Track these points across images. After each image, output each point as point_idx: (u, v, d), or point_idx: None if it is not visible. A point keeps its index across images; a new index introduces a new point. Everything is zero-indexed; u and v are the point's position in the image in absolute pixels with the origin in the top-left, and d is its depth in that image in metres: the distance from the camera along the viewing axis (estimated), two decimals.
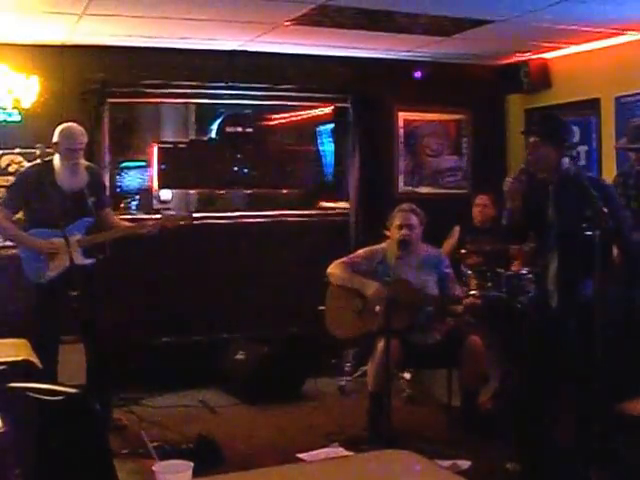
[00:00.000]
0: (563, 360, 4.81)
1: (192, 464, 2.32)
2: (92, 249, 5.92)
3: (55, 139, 5.76)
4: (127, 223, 6.34)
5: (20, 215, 5.91)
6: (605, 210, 4.36)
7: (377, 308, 5.65)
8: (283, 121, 9.23)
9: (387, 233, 6.05)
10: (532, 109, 8.56)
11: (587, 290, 4.66)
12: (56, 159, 5.79)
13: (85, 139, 5.86)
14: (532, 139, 4.89)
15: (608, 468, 4.58)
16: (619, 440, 4.63)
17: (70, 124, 5.85)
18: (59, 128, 5.79)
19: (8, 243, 6.47)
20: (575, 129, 5.42)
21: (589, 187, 4.51)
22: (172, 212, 6.49)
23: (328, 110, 8.72)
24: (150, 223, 6.13)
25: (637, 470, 4.66)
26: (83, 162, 5.88)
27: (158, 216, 6.43)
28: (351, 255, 6.16)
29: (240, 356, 7.17)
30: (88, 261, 5.87)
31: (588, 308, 4.46)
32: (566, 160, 4.84)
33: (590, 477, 4.56)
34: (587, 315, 4.43)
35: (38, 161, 5.85)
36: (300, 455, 5.29)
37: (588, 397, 4.59)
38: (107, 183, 6.89)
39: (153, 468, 2.30)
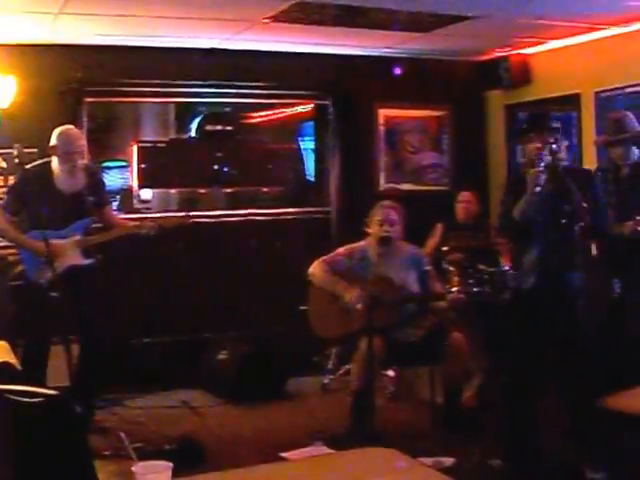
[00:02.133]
0: (547, 352, 4.83)
1: (171, 464, 2.30)
2: (92, 249, 5.91)
3: (53, 142, 5.75)
4: (127, 222, 6.31)
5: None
6: (585, 205, 4.37)
7: (359, 306, 5.63)
8: (263, 119, 9.21)
9: (368, 230, 6.04)
10: (512, 105, 8.58)
11: (572, 282, 4.66)
12: (54, 162, 5.79)
13: (83, 142, 5.87)
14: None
15: (602, 465, 4.59)
16: (608, 435, 4.64)
17: (67, 127, 5.84)
18: (56, 131, 5.78)
19: None
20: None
21: (570, 182, 4.52)
22: (171, 214, 6.49)
23: (309, 108, 8.70)
24: (148, 224, 6.10)
25: (630, 467, 4.68)
26: (81, 162, 5.85)
27: (141, 215, 6.41)
28: (332, 254, 6.13)
29: (223, 356, 7.14)
30: (87, 261, 5.87)
31: (572, 300, 4.47)
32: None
33: (584, 475, 4.58)
34: (571, 308, 4.44)
35: (36, 163, 5.84)
36: (283, 454, 5.27)
37: (573, 391, 4.60)
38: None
39: (132, 469, 2.28)
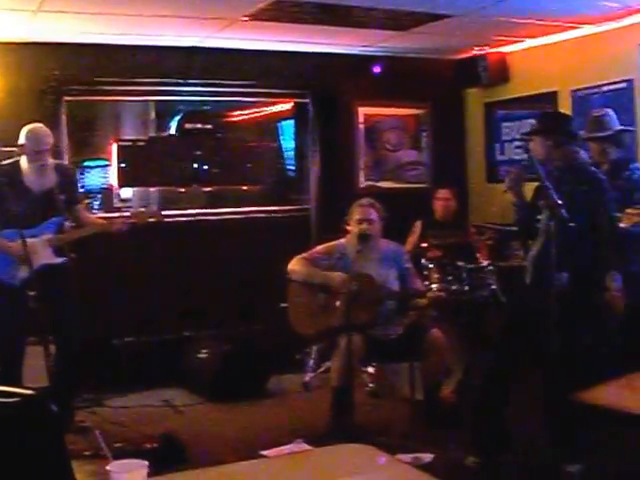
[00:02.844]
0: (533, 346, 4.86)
1: (147, 463, 2.31)
2: (63, 248, 5.89)
3: (21, 141, 5.71)
4: (99, 220, 6.30)
5: None
6: (559, 202, 4.41)
7: (337, 303, 5.65)
8: (243, 117, 9.20)
9: (347, 228, 6.06)
10: (491, 103, 8.62)
11: (560, 279, 4.69)
12: (23, 160, 5.74)
13: (51, 140, 5.82)
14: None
15: (579, 459, 4.63)
16: (587, 430, 4.68)
17: (35, 125, 5.80)
18: (24, 130, 5.74)
19: None
20: (533, 122, 5.49)
21: (543, 178, 4.56)
22: (141, 209, 6.44)
23: (288, 106, 8.71)
24: (120, 220, 6.09)
25: (608, 460, 4.73)
26: (52, 161, 5.83)
27: (120, 214, 6.39)
28: (311, 251, 6.15)
29: (203, 354, 7.14)
30: (59, 260, 5.84)
31: (560, 298, 4.51)
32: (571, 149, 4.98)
33: (561, 468, 4.61)
34: (559, 305, 4.47)
35: (5, 162, 5.81)
36: (264, 452, 5.27)
37: (553, 385, 4.64)
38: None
39: (107, 467, 2.29)
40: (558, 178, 4.73)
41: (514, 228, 5.36)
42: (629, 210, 5.15)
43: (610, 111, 6.04)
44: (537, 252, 4.89)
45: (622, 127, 5.98)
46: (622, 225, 5.14)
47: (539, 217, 4.73)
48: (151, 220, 6.11)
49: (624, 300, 5.08)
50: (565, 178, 4.77)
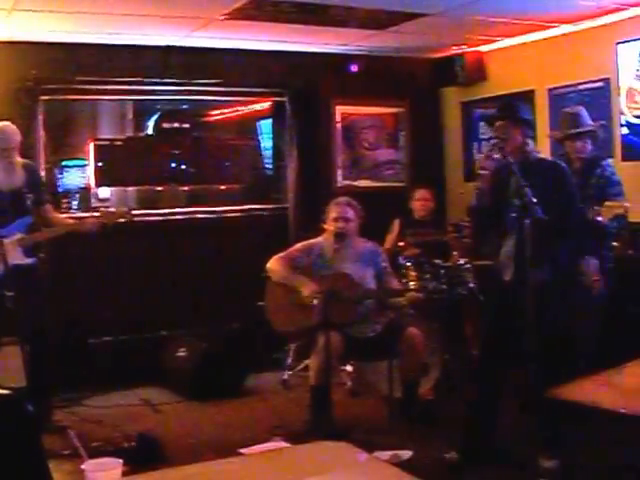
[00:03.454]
0: (514, 340, 4.88)
1: (121, 461, 2.31)
2: (33, 248, 5.86)
3: None
4: (68, 220, 6.28)
5: None
6: (534, 200, 4.44)
7: (315, 302, 5.67)
8: (221, 116, 9.20)
9: (325, 226, 6.07)
10: (468, 102, 8.65)
11: (541, 274, 4.71)
12: None
13: (18, 138, 5.80)
14: (499, 123, 4.98)
15: (555, 454, 4.66)
16: (562, 425, 4.72)
17: (2, 123, 5.78)
18: None
19: None
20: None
21: (520, 177, 4.58)
22: (112, 209, 6.42)
23: (266, 105, 8.71)
24: (90, 221, 6.07)
25: (581, 454, 4.76)
26: (19, 160, 5.82)
27: (90, 214, 6.37)
28: (289, 250, 6.16)
29: (182, 353, 7.14)
30: (29, 260, 5.81)
31: (540, 290, 4.53)
32: (530, 143, 4.98)
33: (538, 464, 4.63)
34: (539, 297, 4.49)
35: None
36: (242, 450, 5.27)
37: (530, 381, 4.66)
38: (45, 180, 6.81)
39: (82, 466, 2.29)
40: (523, 171, 4.74)
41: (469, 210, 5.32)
42: (608, 203, 5.21)
43: (582, 108, 6.09)
44: (512, 249, 4.91)
45: (602, 122, 6.05)
46: (600, 219, 5.19)
47: (513, 215, 4.76)
48: (121, 220, 6.08)
49: (603, 283, 5.13)
50: (531, 171, 4.79)
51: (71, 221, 6.22)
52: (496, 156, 4.86)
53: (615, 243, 6.02)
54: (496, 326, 5.11)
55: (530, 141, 5.00)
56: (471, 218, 5.41)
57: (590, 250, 5.29)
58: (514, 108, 5.18)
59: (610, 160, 6.18)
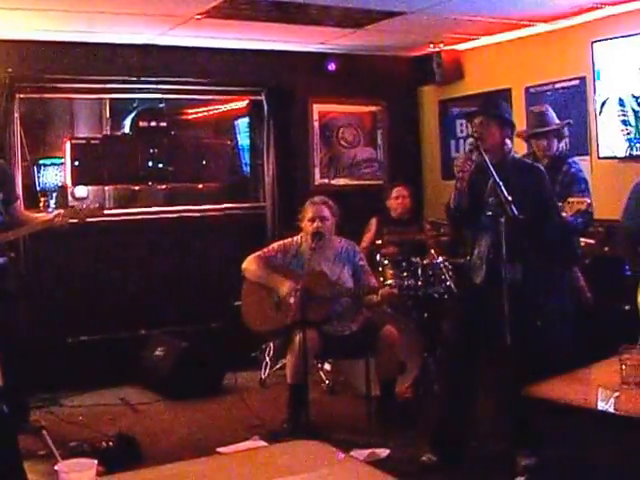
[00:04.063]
0: (485, 340, 4.90)
1: (96, 462, 2.30)
2: (3, 247, 5.82)
3: None
4: (39, 217, 6.22)
5: None
6: (509, 198, 4.45)
7: (291, 300, 5.67)
8: (198, 115, 9.19)
9: (301, 226, 6.07)
10: (445, 100, 8.68)
11: (514, 273, 4.72)
12: None
13: None
14: (479, 119, 4.96)
15: (533, 453, 4.68)
16: (539, 424, 4.74)
17: None
18: None
19: None
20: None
21: (494, 175, 4.60)
22: (82, 206, 6.36)
23: (243, 104, 8.70)
24: (61, 218, 5.99)
25: (557, 450, 4.78)
26: None
27: (59, 211, 6.31)
28: (265, 249, 6.15)
29: (160, 352, 7.13)
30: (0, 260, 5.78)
31: (512, 291, 4.54)
32: (509, 142, 4.98)
33: (516, 462, 4.66)
34: (511, 298, 4.51)
35: None
36: (220, 449, 5.28)
37: (506, 380, 4.68)
38: (20, 179, 6.79)
39: (56, 467, 2.28)
40: (500, 171, 4.76)
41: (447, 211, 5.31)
42: (571, 199, 5.26)
43: (549, 106, 6.14)
44: (485, 249, 4.92)
45: (568, 121, 6.09)
46: (564, 214, 5.25)
47: (489, 213, 4.77)
48: (92, 215, 6.03)
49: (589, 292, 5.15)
50: (508, 171, 4.80)
51: (41, 219, 6.16)
52: (474, 158, 4.85)
53: (591, 241, 6.07)
54: (464, 327, 5.13)
55: (509, 141, 5.00)
56: (449, 219, 5.41)
57: (577, 260, 5.29)
58: (495, 105, 5.20)
59: (577, 158, 6.23)
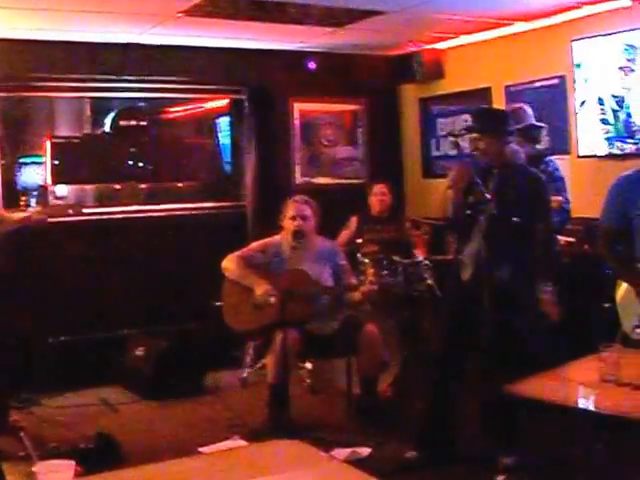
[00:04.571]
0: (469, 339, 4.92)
1: (74, 463, 2.30)
2: None
3: None
4: (14, 215, 6.16)
5: None
6: (488, 197, 4.47)
7: (272, 300, 5.67)
8: (179, 114, 9.17)
9: (282, 225, 6.07)
10: (426, 98, 8.69)
11: (502, 273, 4.74)
12: None
13: None
14: (472, 135, 5.00)
15: (514, 451, 4.70)
16: (520, 422, 4.76)
17: None
18: None
19: None
20: (467, 117, 5.57)
21: (474, 175, 4.62)
22: (59, 202, 6.31)
23: (224, 102, 8.69)
24: (37, 216, 5.94)
25: (537, 448, 4.80)
26: None
27: (34, 209, 6.28)
28: (246, 248, 6.14)
29: (140, 352, 7.10)
30: None
31: (499, 290, 4.56)
32: (512, 147, 5.02)
33: (496, 460, 4.67)
34: (497, 297, 4.53)
35: None
36: (201, 449, 5.27)
37: (489, 379, 4.69)
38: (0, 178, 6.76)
39: (33, 469, 2.28)
40: (499, 177, 4.78)
41: (446, 223, 5.35)
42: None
43: (525, 105, 6.15)
44: (476, 249, 4.94)
45: (531, 122, 6.09)
46: None
47: (468, 212, 4.79)
48: (70, 212, 5.98)
49: (559, 309, 5.17)
50: (506, 177, 4.83)
51: (17, 217, 6.10)
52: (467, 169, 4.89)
53: (571, 239, 6.10)
54: (447, 325, 5.15)
55: (510, 147, 5.02)
56: (449, 228, 5.45)
57: (547, 277, 5.30)
58: (485, 119, 5.18)
59: (557, 156, 6.25)
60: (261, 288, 5.81)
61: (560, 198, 5.32)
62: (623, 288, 4.55)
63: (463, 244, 5.06)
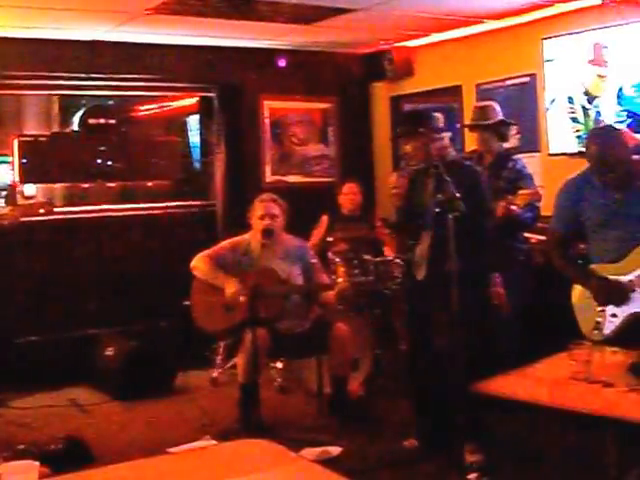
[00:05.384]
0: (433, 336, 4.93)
1: (38, 464, 2.28)
2: None
3: None
4: None
5: None
6: (458, 195, 4.48)
7: (242, 299, 5.64)
8: (148, 112, 9.13)
9: (251, 223, 6.04)
10: (397, 96, 8.70)
11: (455, 269, 4.74)
12: None
13: None
14: (402, 140, 5.09)
15: (480, 447, 4.70)
16: (485, 419, 4.76)
17: None
18: None
19: None
20: (439, 115, 5.58)
21: (443, 173, 4.63)
22: (31, 202, 6.26)
23: (194, 100, 8.65)
24: (9, 214, 5.88)
25: (506, 447, 4.81)
26: None
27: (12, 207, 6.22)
28: (215, 247, 6.12)
29: (109, 352, 7.06)
30: None
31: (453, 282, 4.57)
32: (440, 144, 5.04)
33: (463, 456, 4.67)
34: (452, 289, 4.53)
35: None
36: (171, 449, 5.22)
37: (452, 376, 4.70)
38: None
39: None
40: (437, 175, 4.81)
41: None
42: (521, 191, 5.32)
43: (494, 103, 6.16)
44: (428, 245, 4.95)
45: (502, 118, 6.10)
46: (514, 208, 5.30)
47: (437, 210, 4.79)
48: (42, 211, 5.93)
49: (508, 301, 5.21)
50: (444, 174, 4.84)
51: None
52: (405, 174, 4.94)
53: (542, 237, 6.10)
54: (413, 323, 5.18)
55: (442, 142, 5.06)
56: (395, 231, 5.49)
57: (493, 267, 5.31)
58: (406, 123, 5.27)
59: (527, 155, 6.28)
60: (231, 288, 5.78)
61: (538, 189, 5.36)
62: (578, 290, 4.55)
63: (413, 245, 5.09)
